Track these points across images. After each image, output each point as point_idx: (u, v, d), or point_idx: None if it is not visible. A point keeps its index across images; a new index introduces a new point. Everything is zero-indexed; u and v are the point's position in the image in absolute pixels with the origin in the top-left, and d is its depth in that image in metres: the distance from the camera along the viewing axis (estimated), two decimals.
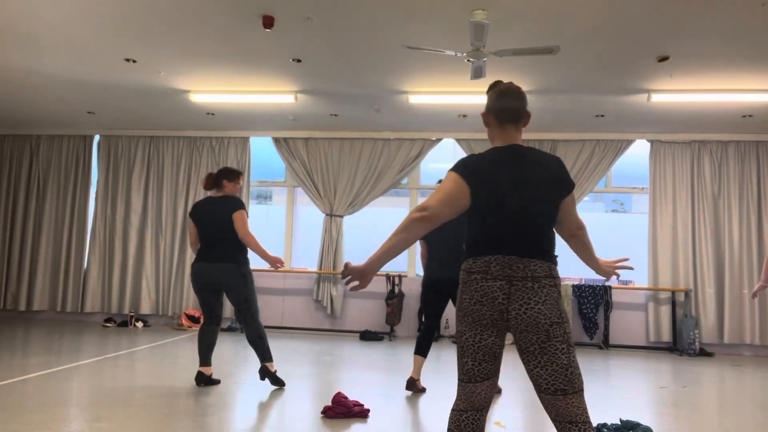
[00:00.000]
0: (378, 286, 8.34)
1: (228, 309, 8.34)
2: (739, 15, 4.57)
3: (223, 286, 4.57)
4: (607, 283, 8.00)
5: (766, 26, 4.75)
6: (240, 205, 4.60)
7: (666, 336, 7.78)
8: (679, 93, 6.34)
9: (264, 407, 4.07)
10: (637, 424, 3.58)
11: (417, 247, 8.58)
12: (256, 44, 5.48)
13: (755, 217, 7.75)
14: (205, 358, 4.64)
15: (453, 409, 2.09)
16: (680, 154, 8.03)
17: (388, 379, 5.19)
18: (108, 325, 8.38)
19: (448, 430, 2.08)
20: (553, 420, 2.00)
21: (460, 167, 2.11)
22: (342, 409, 3.83)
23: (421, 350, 4.60)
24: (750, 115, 7.08)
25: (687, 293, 7.69)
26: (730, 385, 5.54)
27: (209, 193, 5.37)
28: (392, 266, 7.97)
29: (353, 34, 5.17)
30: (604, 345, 7.78)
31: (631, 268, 2.63)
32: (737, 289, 7.68)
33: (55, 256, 8.99)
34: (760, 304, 7.63)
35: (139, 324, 8.40)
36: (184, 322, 8.31)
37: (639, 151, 8.29)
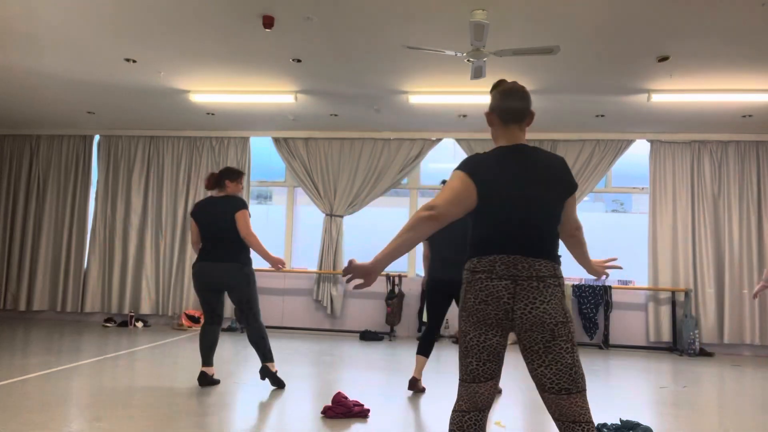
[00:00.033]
0: (378, 286, 8.34)
1: (228, 309, 8.35)
2: (739, 15, 4.57)
3: (225, 285, 4.57)
4: (607, 283, 8.00)
5: (766, 26, 4.75)
6: (243, 205, 4.60)
7: (666, 336, 7.78)
8: (679, 93, 6.34)
9: (264, 407, 4.07)
10: (637, 424, 3.58)
11: (418, 247, 8.58)
12: (256, 44, 5.48)
13: (755, 217, 7.76)
14: (207, 358, 4.64)
15: (455, 410, 2.08)
16: (680, 154, 8.03)
17: (388, 379, 5.19)
18: (108, 325, 8.38)
19: (450, 431, 2.07)
20: (556, 419, 2.00)
21: (466, 166, 2.10)
22: (342, 409, 3.83)
23: (424, 350, 4.59)
24: (750, 115, 7.08)
25: (687, 293, 7.69)
26: (730, 385, 5.54)
27: (211, 193, 5.37)
28: (392, 266, 7.96)
29: (353, 34, 5.17)
30: (604, 345, 7.78)
31: (620, 267, 2.63)
32: (737, 289, 7.68)
33: (55, 256, 8.99)
34: (760, 304, 7.63)
35: (139, 324, 8.40)
36: (184, 322, 8.31)
37: (639, 151, 8.30)
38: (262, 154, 9.00)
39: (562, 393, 1.96)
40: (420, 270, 8.68)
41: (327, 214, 8.54)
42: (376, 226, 9.18)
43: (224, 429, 3.46)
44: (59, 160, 9.17)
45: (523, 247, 2.02)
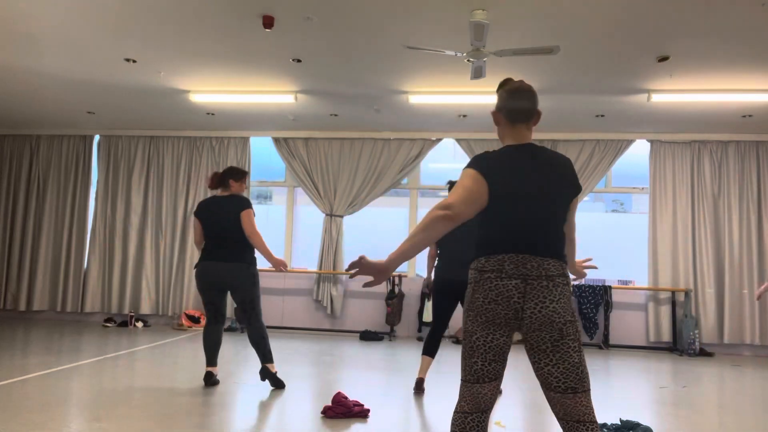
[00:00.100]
0: (378, 286, 8.33)
1: (228, 309, 8.34)
2: (739, 15, 4.57)
3: (229, 285, 4.56)
4: (607, 283, 8.01)
5: (766, 26, 4.75)
6: (248, 204, 4.60)
7: (666, 336, 7.78)
8: (679, 93, 6.34)
9: (264, 407, 4.07)
10: (637, 424, 3.58)
11: None
12: (256, 44, 5.48)
13: (755, 217, 7.76)
14: (213, 358, 4.63)
15: (457, 411, 2.06)
16: (680, 154, 8.03)
17: (388, 379, 5.19)
18: (108, 325, 8.38)
19: None
20: (560, 419, 2.00)
21: (479, 164, 2.07)
22: (342, 409, 3.83)
23: (429, 350, 4.56)
24: (750, 115, 7.08)
25: (687, 293, 7.69)
26: (730, 385, 5.54)
27: (213, 193, 5.37)
28: None
29: (353, 34, 5.17)
30: (604, 345, 7.78)
31: (595, 267, 2.65)
32: (737, 289, 7.69)
33: (55, 256, 8.99)
34: (760, 304, 7.63)
35: (139, 324, 8.40)
36: (184, 322, 8.31)
37: (639, 151, 8.30)
38: (262, 154, 9.00)
39: (568, 392, 1.96)
40: (420, 270, 8.68)
41: (327, 214, 8.54)
42: (376, 226, 9.19)
43: (224, 429, 3.46)
44: (59, 160, 9.17)
45: (532, 247, 2.01)
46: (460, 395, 2.08)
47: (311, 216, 8.93)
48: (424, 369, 4.59)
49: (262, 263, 4.94)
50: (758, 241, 7.73)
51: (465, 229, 4.53)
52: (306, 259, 9.00)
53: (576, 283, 7.99)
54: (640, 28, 4.86)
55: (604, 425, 3.64)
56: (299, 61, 5.86)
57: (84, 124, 8.76)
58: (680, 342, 7.62)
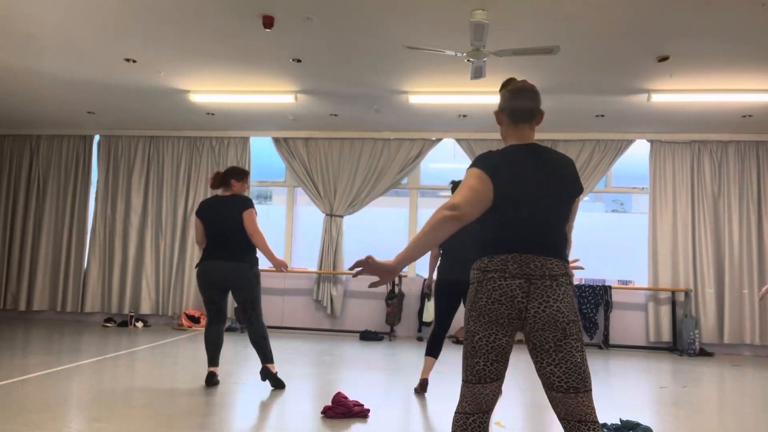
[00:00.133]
0: (373, 283, 8.32)
1: (228, 309, 8.34)
2: (739, 15, 4.57)
3: (231, 285, 4.55)
4: (606, 283, 8.00)
5: (766, 26, 4.75)
6: (250, 204, 4.60)
7: (666, 336, 7.78)
8: (679, 93, 6.34)
9: (264, 407, 4.07)
10: (637, 424, 3.58)
11: None
12: (256, 44, 5.48)
13: (755, 217, 7.76)
14: (215, 358, 4.63)
15: (458, 412, 2.05)
16: (680, 154, 8.03)
17: (388, 379, 5.19)
18: (108, 325, 8.38)
19: None
20: (562, 419, 1.99)
21: (484, 164, 2.06)
22: (342, 409, 3.83)
23: (433, 351, 4.53)
24: (750, 115, 7.08)
25: (687, 293, 7.70)
26: (730, 385, 5.54)
27: (215, 192, 5.36)
28: None
29: (353, 34, 5.17)
30: (604, 345, 7.78)
31: (582, 268, 2.67)
32: (737, 289, 7.69)
33: (55, 256, 8.99)
34: (760, 304, 7.63)
35: (139, 324, 8.40)
36: (184, 322, 8.31)
37: (639, 151, 8.30)
38: (262, 154, 9.00)
39: (570, 392, 1.96)
40: (420, 270, 8.68)
41: (327, 214, 8.54)
42: (376, 226, 9.18)
43: (224, 429, 3.46)
44: (59, 160, 9.17)
45: (535, 246, 2.01)
46: (461, 396, 2.07)
47: (311, 216, 8.93)
48: (427, 370, 4.58)
49: (262, 263, 4.94)
50: (758, 241, 7.73)
51: (467, 229, 4.52)
52: (306, 259, 9.00)
53: (577, 283, 7.99)
54: (640, 28, 4.86)
55: (604, 425, 3.64)
56: (299, 61, 5.86)
57: (84, 124, 8.76)
58: (680, 342, 7.62)
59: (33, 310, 8.92)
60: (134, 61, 6.03)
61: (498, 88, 6.42)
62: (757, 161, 7.85)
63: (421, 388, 4.59)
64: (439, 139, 8.47)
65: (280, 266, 4.57)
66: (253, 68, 6.13)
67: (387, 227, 9.07)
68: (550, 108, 7.09)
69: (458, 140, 8.40)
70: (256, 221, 4.56)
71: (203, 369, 5.33)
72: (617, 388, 5.17)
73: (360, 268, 1.98)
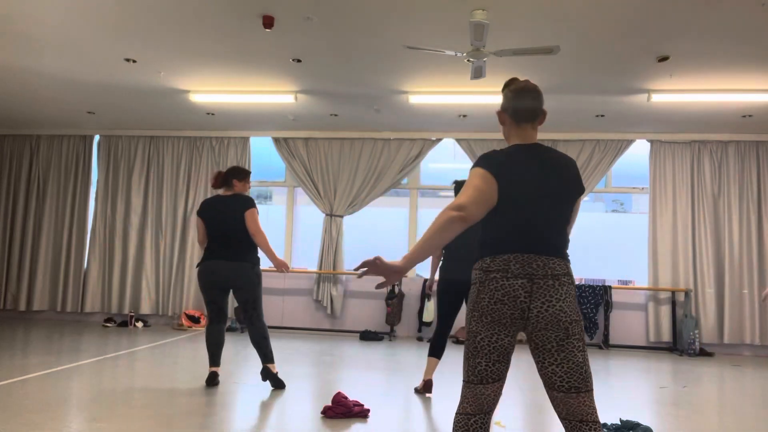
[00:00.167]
0: (373, 283, 8.32)
1: (228, 309, 8.34)
2: (739, 15, 4.57)
3: (233, 284, 4.55)
4: (606, 283, 8.00)
5: (766, 26, 4.75)
6: (252, 204, 4.60)
7: (666, 336, 7.78)
8: (679, 93, 6.34)
9: (264, 407, 4.07)
10: (637, 424, 3.58)
11: None
12: (256, 44, 5.48)
13: (755, 217, 7.76)
14: (216, 358, 4.63)
15: (459, 413, 2.04)
16: (680, 154, 8.03)
17: (388, 379, 5.19)
18: (108, 325, 8.38)
19: None
20: (563, 418, 1.99)
21: (487, 163, 2.06)
22: (342, 409, 3.83)
23: (436, 352, 4.51)
24: (750, 115, 7.08)
25: (687, 293, 7.70)
26: (730, 385, 5.54)
27: (217, 192, 5.36)
28: None
29: (353, 34, 5.17)
30: (604, 345, 7.78)
31: None
32: (737, 289, 7.69)
33: (55, 256, 8.99)
34: (760, 304, 7.63)
35: (139, 324, 8.40)
36: (184, 322, 8.31)
37: (639, 151, 8.30)
38: (262, 154, 9.00)
39: (572, 392, 1.96)
40: (421, 270, 8.68)
41: (327, 214, 8.54)
42: (376, 226, 9.18)
43: (224, 429, 3.46)
44: (59, 160, 9.17)
45: (537, 246, 2.01)
46: (462, 396, 2.06)
47: (311, 216, 8.93)
48: (430, 370, 4.55)
49: (262, 262, 4.94)
50: (758, 241, 7.73)
51: (470, 229, 4.51)
52: (306, 259, 9.00)
53: (577, 283, 7.99)
54: (640, 28, 4.86)
55: (604, 425, 3.64)
56: (299, 61, 5.86)
57: (84, 124, 8.76)
58: (680, 342, 7.62)
59: (33, 310, 8.92)
60: (134, 61, 6.03)
61: (498, 88, 6.46)
62: (757, 161, 7.85)
63: (426, 389, 4.57)
64: (439, 139, 8.47)
65: (281, 266, 4.56)
66: (253, 68, 6.13)
67: (387, 227, 9.07)
68: (550, 108, 7.09)
69: (458, 140, 8.40)
70: (258, 221, 4.56)
71: (203, 369, 5.33)
72: (617, 388, 5.17)
73: (366, 269, 1.96)
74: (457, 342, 7.80)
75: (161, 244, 8.78)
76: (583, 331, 2.01)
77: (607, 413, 4.16)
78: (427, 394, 4.61)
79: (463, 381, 2.07)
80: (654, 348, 7.83)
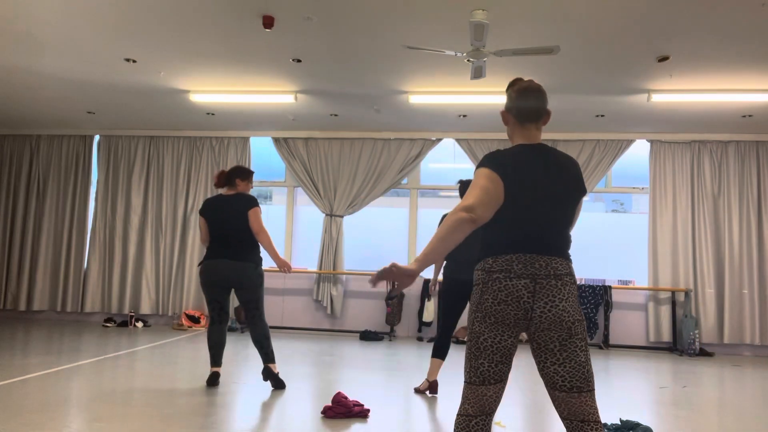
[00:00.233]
0: (378, 285, 8.34)
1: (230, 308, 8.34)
2: (739, 15, 4.57)
3: (235, 284, 4.54)
4: (606, 283, 8.00)
5: (766, 26, 4.75)
6: (255, 203, 4.60)
7: (666, 336, 7.78)
8: (679, 93, 6.34)
9: (264, 407, 4.07)
10: (637, 424, 3.58)
11: (418, 248, 8.58)
12: (256, 44, 5.48)
13: (755, 217, 7.76)
14: (218, 358, 4.63)
15: (461, 414, 2.03)
16: (680, 154, 8.03)
17: (388, 379, 5.19)
18: (108, 325, 8.38)
19: None
20: (564, 418, 1.99)
21: (493, 163, 2.05)
22: (342, 409, 3.83)
23: (440, 353, 4.50)
24: (750, 115, 7.08)
25: (687, 293, 7.70)
26: (730, 385, 5.54)
27: (219, 191, 5.36)
28: None
29: (353, 34, 5.17)
30: (604, 345, 7.78)
31: None
32: (737, 289, 7.69)
33: (55, 256, 8.99)
34: (760, 304, 7.63)
35: (139, 324, 8.40)
36: (184, 322, 8.31)
37: (639, 151, 8.30)
38: (262, 154, 9.00)
39: (573, 391, 1.96)
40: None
41: (327, 214, 8.54)
42: (376, 226, 9.18)
43: (224, 429, 3.46)
44: (59, 160, 9.17)
45: (540, 246, 2.01)
46: (463, 397, 2.05)
47: (311, 216, 8.93)
48: (434, 371, 4.54)
49: (263, 262, 4.93)
50: (758, 241, 7.73)
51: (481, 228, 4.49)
52: (306, 259, 9.00)
53: (577, 283, 7.98)
54: (640, 28, 4.86)
55: (605, 425, 3.64)
56: (299, 61, 5.86)
57: (84, 124, 8.77)
58: (680, 342, 7.62)
59: (33, 310, 8.92)
60: (134, 61, 6.03)
61: (498, 88, 6.46)
62: (757, 161, 7.85)
63: (432, 390, 4.57)
64: (439, 139, 8.48)
65: (283, 266, 4.55)
66: (253, 68, 6.13)
67: (387, 227, 9.07)
68: (550, 108, 7.08)
69: (458, 140, 8.40)
70: (261, 220, 4.55)
71: (203, 369, 5.33)
72: (617, 388, 5.17)
73: (381, 279, 1.90)
74: (457, 342, 7.80)
75: (161, 244, 8.78)
76: (585, 331, 2.01)
77: (607, 413, 4.16)
78: (433, 395, 4.61)
79: (465, 382, 2.06)
80: (654, 348, 7.83)
